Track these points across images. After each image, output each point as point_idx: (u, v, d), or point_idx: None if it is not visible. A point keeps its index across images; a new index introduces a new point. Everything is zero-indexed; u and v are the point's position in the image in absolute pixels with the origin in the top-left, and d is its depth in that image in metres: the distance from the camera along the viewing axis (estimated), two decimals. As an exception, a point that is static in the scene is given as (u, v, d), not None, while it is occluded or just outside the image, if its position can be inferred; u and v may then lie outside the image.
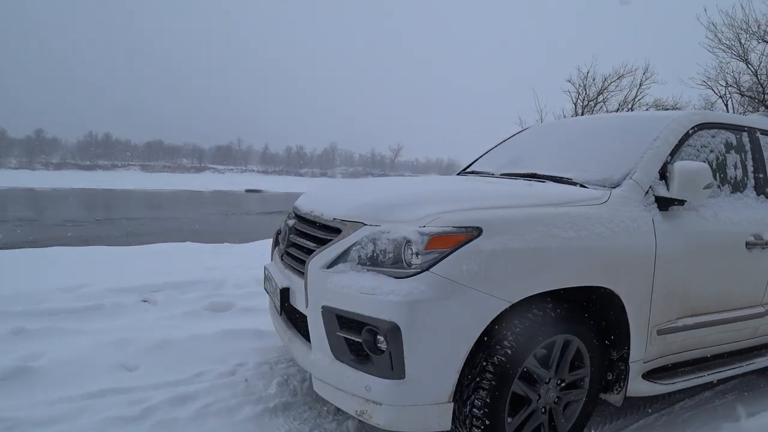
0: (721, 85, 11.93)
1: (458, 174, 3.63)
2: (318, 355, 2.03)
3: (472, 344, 1.84)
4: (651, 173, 2.31)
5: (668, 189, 2.27)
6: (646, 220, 2.20)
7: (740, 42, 11.16)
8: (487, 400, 1.86)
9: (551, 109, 19.62)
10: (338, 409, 2.53)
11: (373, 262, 1.93)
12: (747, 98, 11.60)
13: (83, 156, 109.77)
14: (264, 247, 7.19)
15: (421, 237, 1.84)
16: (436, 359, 1.82)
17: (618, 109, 16.06)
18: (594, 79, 15.82)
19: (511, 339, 1.89)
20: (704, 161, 2.49)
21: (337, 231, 2.10)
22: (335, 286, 1.96)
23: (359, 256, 1.96)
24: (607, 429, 2.47)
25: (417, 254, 1.83)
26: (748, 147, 2.73)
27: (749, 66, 11.11)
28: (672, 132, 2.45)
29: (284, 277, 2.35)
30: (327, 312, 1.97)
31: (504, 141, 3.84)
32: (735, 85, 11.63)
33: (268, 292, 2.67)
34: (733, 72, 11.85)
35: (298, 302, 2.20)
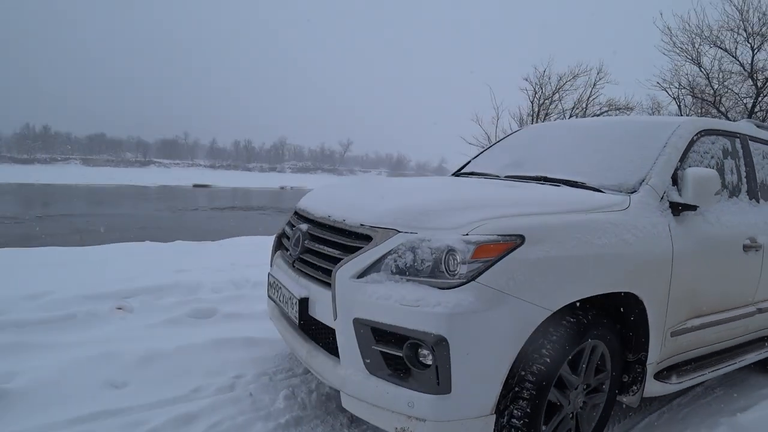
0: (675, 87, 12.62)
1: (455, 174, 3.59)
2: (349, 371, 1.91)
3: (516, 354, 1.80)
4: (665, 179, 2.36)
5: (680, 194, 2.32)
6: (663, 226, 2.23)
7: (694, 46, 11.83)
8: (528, 410, 1.82)
9: (508, 107, 20.01)
10: (351, 422, 2.42)
11: (413, 272, 1.83)
12: (699, 100, 12.33)
13: (20, 149, 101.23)
14: (230, 247, 6.90)
15: (467, 246, 1.77)
16: (482, 372, 1.76)
17: (573, 108, 16.64)
18: (549, 78, 16.33)
19: (548, 347, 1.86)
20: (707, 167, 2.58)
21: (366, 238, 1.98)
22: (370, 297, 1.85)
23: (396, 266, 1.86)
24: (616, 429, 2.51)
25: (463, 263, 1.75)
26: (740, 153, 2.86)
27: (702, 69, 11.81)
28: (680, 138, 2.52)
29: (300, 286, 2.20)
30: (360, 325, 1.86)
31: (498, 141, 3.83)
32: (689, 88, 12.32)
33: (274, 301, 2.51)
34: (687, 75, 12.57)
35: (320, 314, 2.07)
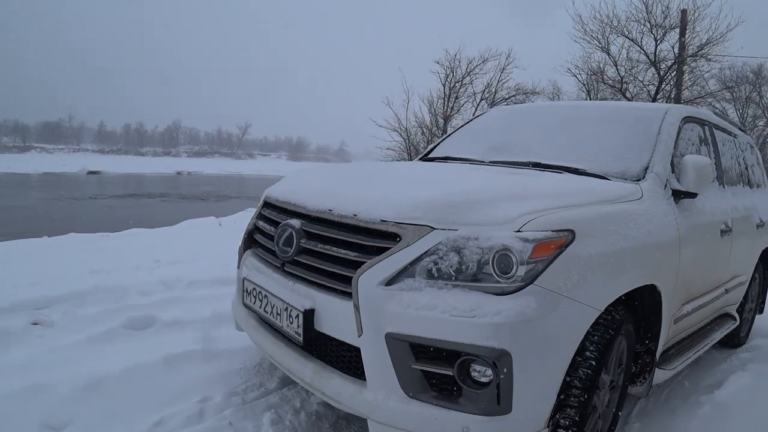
0: (585, 74, 13.51)
1: (424, 159, 3.34)
2: (380, 395, 1.59)
3: (570, 361, 1.61)
4: (667, 166, 2.31)
5: (679, 182, 2.30)
6: (671, 215, 2.18)
7: (604, 35, 12.70)
8: (576, 418, 1.65)
9: (418, 90, 20.12)
10: (352, 441, 2.12)
11: (460, 276, 1.55)
12: (608, 87, 13.31)
13: None
14: (147, 239, 6.07)
15: (525, 245, 1.53)
16: (541, 384, 1.55)
17: (484, 91, 17.10)
18: (460, 61, 16.66)
19: (591, 349, 1.71)
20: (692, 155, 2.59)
21: (390, 236, 1.66)
22: (408, 308, 1.54)
23: (438, 269, 1.57)
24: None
25: (521, 264, 1.51)
26: (710, 140, 2.94)
27: (610, 57, 12.74)
28: (672, 125, 2.50)
29: (299, 296, 1.82)
30: (395, 341, 1.55)
31: (465, 124, 3.64)
32: (599, 74, 13.23)
33: (254, 311, 2.08)
34: (597, 62, 13.47)
35: (334, 328, 1.72)
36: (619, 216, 1.85)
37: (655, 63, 12.26)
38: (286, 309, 1.84)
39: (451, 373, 1.51)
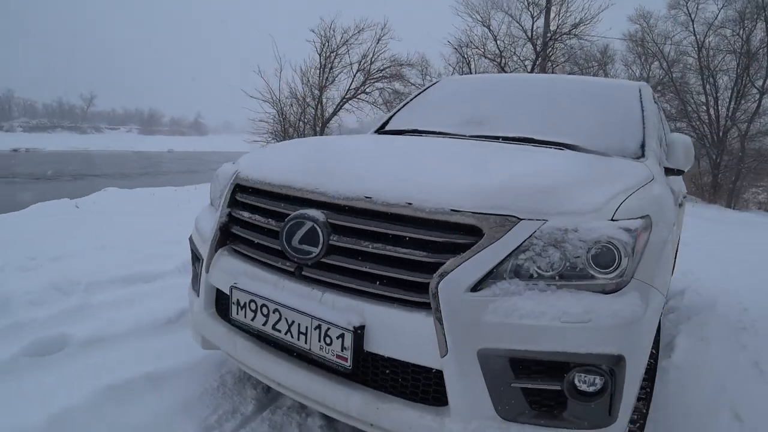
0: (465, 46, 13.94)
1: (379, 132, 2.97)
2: (470, 424, 1.27)
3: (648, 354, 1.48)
4: (658, 144, 2.31)
5: (668, 160, 2.32)
6: (670, 193, 2.19)
7: (486, 9, 13.15)
8: (644, 410, 1.56)
9: (291, 59, 19.17)
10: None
11: (563, 275, 1.29)
12: (489, 60, 13.90)
13: None
14: (10, 229, 4.65)
15: (628, 235, 1.31)
16: (635, 386, 1.38)
17: (360, 62, 16.81)
18: (334, 31, 16.09)
19: (656, 338, 1.61)
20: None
21: (465, 230, 1.32)
22: (509, 317, 1.24)
23: (537, 268, 1.29)
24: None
25: (626, 257, 1.30)
26: (660, 117, 3.07)
27: (491, 31, 13.27)
28: (650, 102, 2.51)
29: (338, 309, 1.39)
30: (491, 358, 1.25)
31: (418, 95, 3.32)
32: (480, 48, 13.73)
33: (255, 329, 1.56)
34: (480, 36, 13.93)
35: (399, 348, 1.33)
36: (661, 199, 1.76)
37: (531, 39, 13.22)
38: (318, 327, 1.39)
39: (558, 388, 1.27)
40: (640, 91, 2.58)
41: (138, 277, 3.24)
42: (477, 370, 1.26)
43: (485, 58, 14.67)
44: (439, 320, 1.26)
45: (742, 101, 17.29)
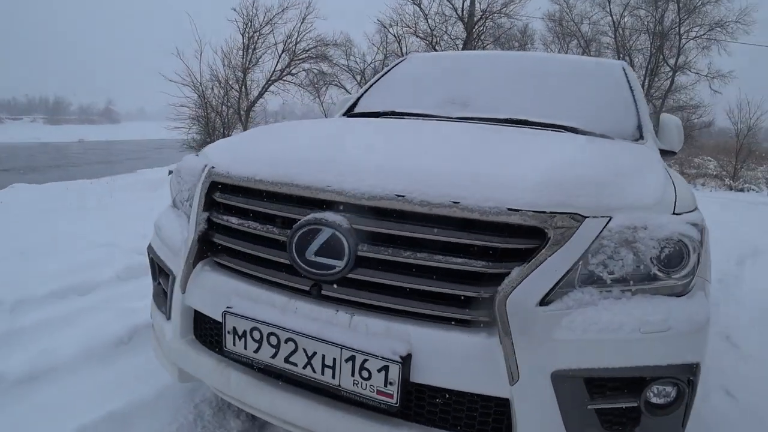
0: (396, 24, 13.60)
1: (348, 114, 2.66)
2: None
3: None
4: (652, 124, 2.22)
5: (660, 140, 2.25)
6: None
7: None
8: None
9: (212, 40, 17.92)
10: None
11: (636, 278, 1.11)
12: (420, 39, 13.62)
13: None
14: None
15: (696, 229, 1.16)
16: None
17: (286, 42, 16.03)
18: (257, 10, 15.15)
19: None
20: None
21: (525, 232, 1.10)
22: (586, 332, 1.05)
23: (610, 273, 1.10)
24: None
25: (694, 254, 1.14)
26: None
27: (422, 9, 12.98)
28: (636, 81, 2.42)
29: (376, 335, 1.11)
30: (566, 380, 1.05)
31: (385, 74, 3.02)
32: (411, 26, 13.41)
33: (259, 362, 1.23)
34: (411, 15, 13.56)
35: (456, 378, 1.08)
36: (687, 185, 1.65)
37: (462, 17, 13.16)
38: (351, 360, 1.11)
39: (635, 404, 1.10)
40: (624, 70, 2.49)
41: (71, 289, 2.70)
42: (551, 395, 1.06)
43: (416, 36, 14.51)
44: (507, 341, 1.04)
45: (656, 79, 18.52)
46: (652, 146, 2.02)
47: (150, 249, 1.71)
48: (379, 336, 1.12)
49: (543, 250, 1.08)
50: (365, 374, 1.10)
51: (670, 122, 2.24)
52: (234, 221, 1.36)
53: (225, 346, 1.28)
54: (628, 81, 2.37)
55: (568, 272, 1.08)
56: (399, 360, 1.07)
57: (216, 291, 1.36)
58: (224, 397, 1.44)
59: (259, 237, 1.31)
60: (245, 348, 1.25)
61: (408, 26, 14.32)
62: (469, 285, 1.10)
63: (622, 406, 1.10)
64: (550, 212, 1.10)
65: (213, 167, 1.47)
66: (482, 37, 13.48)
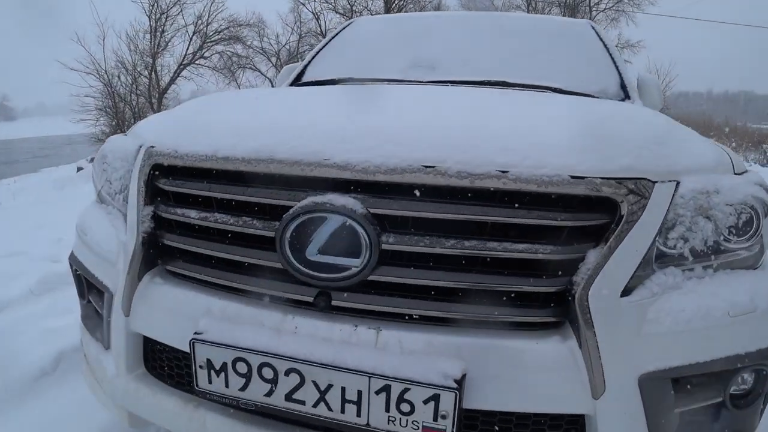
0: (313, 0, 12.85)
1: (296, 84, 2.27)
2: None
3: None
4: (636, 84, 2.05)
5: (642, 100, 2.10)
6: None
7: None
8: None
9: (115, 24, 16.20)
10: None
11: (716, 252, 0.90)
12: (339, 15, 12.94)
13: None
14: None
15: (765, 191, 0.96)
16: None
17: (196, 23, 14.87)
18: (164, -11, 13.88)
19: None
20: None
21: (591, 205, 0.84)
22: (677, 323, 0.83)
23: (692, 249, 0.88)
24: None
25: (764, 220, 0.95)
26: None
27: None
28: (609, 40, 2.24)
29: (411, 357, 0.80)
30: (653, 384, 0.83)
31: (332, 39, 2.63)
32: (330, 2, 12.71)
33: (246, 402, 0.88)
34: None
35: (519, 398, 0.81)
36: None
37: None
38: (385, 390, 0.80)
39: (720, 400, 0.90)
40: (594, 28, 2.31)
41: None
42: (638, 404, 0.83)
43: (335, 12, 13.93)
44: (591, 345, 0.79)
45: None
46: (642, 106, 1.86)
47: (73, 259, 1.27)
48: (419, 354, 0.82)
49: (619, 227, 0.83)
50: (405, 408, 0.80)
51: (649, 82, 2.11)
52: (193, 215, 0.98)
53: (197, 385, 0.92)
54: (601, 39, 2.20)
55: (648, 251, 0.84)
56: (454, 386, 0.78)
57: (176, 311, 0.98)
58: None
59: (233, 234, 0.95)
60: (227, 386, 0.90)
61: (326, 1, 13.72)
62: (535, 277, 0.82)
63: (707, 404, 0.90)
64: (620, 178, 0.85)
65: (152, 146, 1.06)
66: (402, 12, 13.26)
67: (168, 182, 1.03)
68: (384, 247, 0.83)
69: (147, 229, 1.02)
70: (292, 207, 0.87)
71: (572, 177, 0.83)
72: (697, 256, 0.89)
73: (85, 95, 12.46)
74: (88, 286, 1.25)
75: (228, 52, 15.78)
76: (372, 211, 0.85)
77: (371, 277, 0.84)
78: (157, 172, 1.05)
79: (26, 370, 1.73)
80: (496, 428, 0.87)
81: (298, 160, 0.89)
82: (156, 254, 1.04)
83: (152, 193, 1.05)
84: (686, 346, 0.84)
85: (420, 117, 1.01)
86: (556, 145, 0.88)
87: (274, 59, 16.47)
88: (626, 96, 1.90)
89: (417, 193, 0.85)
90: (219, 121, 1.09)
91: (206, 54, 15.42)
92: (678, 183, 0.89)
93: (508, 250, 0.82)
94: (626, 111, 1.23)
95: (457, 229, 0.84)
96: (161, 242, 1.03)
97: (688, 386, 0.88)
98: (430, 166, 0.84)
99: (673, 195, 0.88)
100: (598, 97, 1.78)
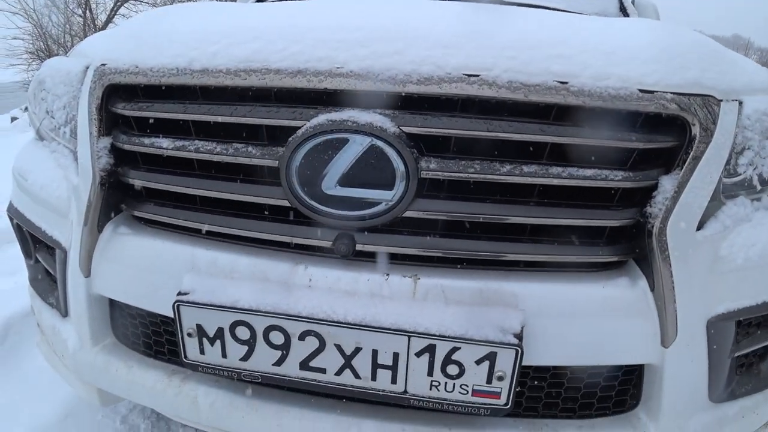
0: None
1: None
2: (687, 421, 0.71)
3: None
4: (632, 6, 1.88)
5: None
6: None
7: None
8: None
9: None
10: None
11: None
12: None
13: None
14: None
15: None
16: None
17: None
18: None
19: None
20: None
21: (656, 124, 0.66)
22: (747, 259, 0.68)
23: (759, 176, 0.73)
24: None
25: None
26: None
27: None
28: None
29: (457, 308, 0.62)
30: (719, 327, 0.70)
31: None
32: None
33: (265, 372, 0.68)
34: None
35: (582, 350, 0.65)
36: None
37: None
38: (427, 351, 0.62)
39: (772, 342, 0.79)
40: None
41: None
42: (703, 350, 0.69)
43: None
44: (666, 286, 0.63)
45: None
46: None
47: (12, 210, 0.98)
48: (468, 306, 0.64)
49: (693, 150, 0.66)
50: (453, 370, 0.63)
51: (646, 5, 1.93)
52: (166, 144, 0.72)
53: (186, 357, 0.70)
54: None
55: (719, 179, 0.68)
56: (514, 341, 0.60)
57: (150, 267, 0.74)
58: (188, 424, 0.87)
59: (220, 166, 0.71)
60: (224, 356, 0.69)
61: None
62: (602, 209, 0.65)
63: (763, 345, 0.79)
64: (690, 94, 0.67)
65: (104, 64, 0.78)
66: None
67: (128, 106, 0.76)
68: (424, 175, 0.63)
69: (105, 166, 0.76)
70: (299, 128, 0.64)
71: (640, 90, 0.65)
72: (766, 184, 0.75)
73: (13, 37, 10.95)
74: (34, 243, 0.97)
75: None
76: (405, 130, 0.63)
77: (407, 213, 0.64)
78: (112, 94, 0.78)
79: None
80: (547, 385, 0.72)
81: (302, 68, 0.65)
82: (118, 197, 0.78)
83: (108, 122, 0.78)
84: (756, 285, 0.71)
85: (449, 18, 0.78)
86: (617, 53, 0.68)
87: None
88: (626, 14, 1.73)
89: (458, 107, 0.64)
90: (188, 28, 0.81)
91: (146, -11, 13.60)
92: (740, 103, 0.74)
93: (574, 176, 0.63)
94: (662, 25, 1.05)
95: (503, 153, 0.65)
96: (125, 181, 0.77)
97: (748, 328, 0.76)
98: (473, 75, 0.63)
99: (738, 115, 0.72)
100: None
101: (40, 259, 0.97)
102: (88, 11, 12.35)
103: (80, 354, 0.85)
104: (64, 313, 0.89)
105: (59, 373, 0.99)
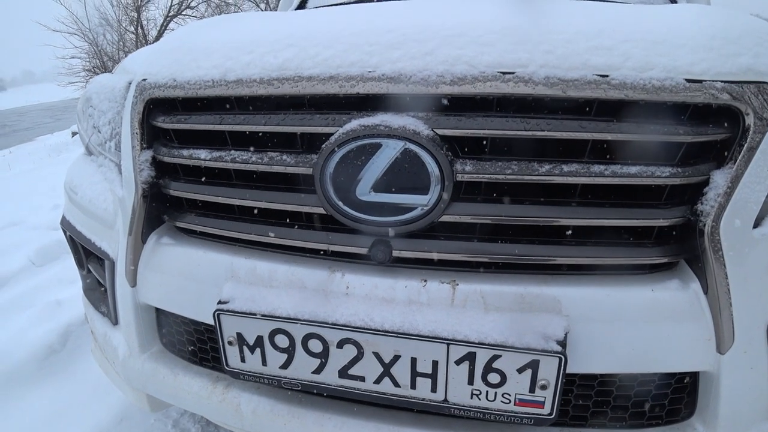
0: None
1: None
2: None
3: None
4: None
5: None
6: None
7: None
8: None
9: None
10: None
11: None
12: None
13: None
14: None
15: None
16: None
17: None
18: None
19: None
20: None
21: (704, 115, 0.61)
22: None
23: None
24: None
25: None
26: None
27: None
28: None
29: (498, 315, 0.59)
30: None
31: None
32: None
33: (304, 380, 0.67)
34: None
35: (629, 358, 0.60)
36: None
37: None
38: (468, 359, 0.59)
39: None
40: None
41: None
42: (763, 356, 0.63)
43: None
44: (721, 289, 0.58)
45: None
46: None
47: (65, 223, 1.01)
48: (508, 312, 0.60)
49: (747, 142, 0.60)
50: (494, 379, 0.59)
51: None
52: (203, 156, 0.72)
53: (227, 365, 0.70)
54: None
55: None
56: (557, 349, 0.57)
57: (192, 276, 0.74)
58: (233, 430, 0.87)
59: (257, 175, 0.70)
60: (264, 364, 0.68)
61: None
62: (649, 208, 0.60)
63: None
64: (742, 82, 0.61)
65: (144, 79, 0.79)
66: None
67: (168, 119, 0.76)
68: (459, 178, 0.60)
69: (147, 178, 0.76)
70: (332, 134, 0.62)
71: (687, 80, 0.59)
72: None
73: (71, 56, 11.49)
74: (85, 254, 1.00)
75: (215, 1, 14.42)
76: (439, 132, 0.61)
77: (443, 218, 0.61)
78: (153, 108, 0.79)
79: (32, 349, 1.49)
80: (595, 393, 0.67)
81: (334, 74, 0.63)
82: (161, 209, 0.79)
83: (150, 135, 0.79)
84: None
85: (482, 15, 0.75)
86: (662, 42, 0.63)
87: (263, 5, 15.13)
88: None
89: (493, 107, 0.61)
90: (224, 39, 0.81)
91: (192, 3, 13.99)
92: None
93: (618, 174, 0.58)
94: (712, 10, 0.98)
95: (541, 153, 0.61)
96: (166, 193, 0.78)
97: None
98: (508, 72, 0.59)
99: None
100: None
101: (91, 269, 1.00)
102: (140, 28, 12.80)
103: (129, 361, 0.87)
104: (115, 322, 0.91)
105: (111, 379, 1.01)
